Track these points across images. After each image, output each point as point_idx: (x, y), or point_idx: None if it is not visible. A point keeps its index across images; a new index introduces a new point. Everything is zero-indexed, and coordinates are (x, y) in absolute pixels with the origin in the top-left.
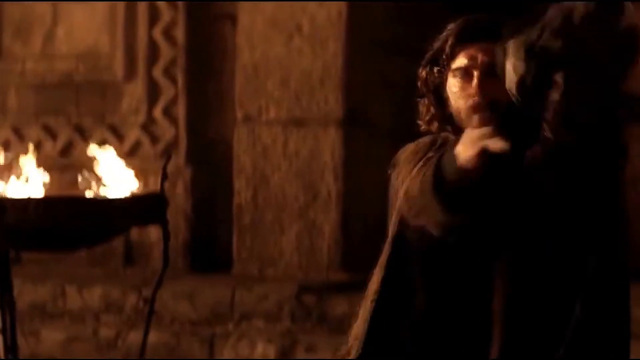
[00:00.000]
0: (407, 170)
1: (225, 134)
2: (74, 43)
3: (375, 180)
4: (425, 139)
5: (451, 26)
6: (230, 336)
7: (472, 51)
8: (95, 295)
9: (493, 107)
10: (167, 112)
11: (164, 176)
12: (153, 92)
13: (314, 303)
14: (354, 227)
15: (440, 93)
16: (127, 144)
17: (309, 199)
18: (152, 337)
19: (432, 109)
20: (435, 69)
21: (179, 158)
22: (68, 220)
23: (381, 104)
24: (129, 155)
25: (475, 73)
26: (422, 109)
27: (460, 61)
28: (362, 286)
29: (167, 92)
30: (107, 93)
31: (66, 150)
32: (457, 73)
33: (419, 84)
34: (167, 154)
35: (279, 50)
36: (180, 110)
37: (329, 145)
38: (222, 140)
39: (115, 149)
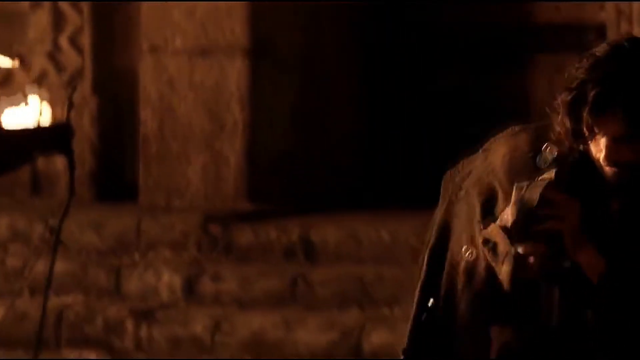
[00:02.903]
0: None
1: (132, 64)
2: None
3: (282, 112)
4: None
5: (592, 73)
6: (136, 266)
7: (606, 127)
8: (1, 225)
9: (621, 166)
10: (73, 42)
11: (70, 106)
12: (59, 21)
13: (219, 233)
14: (260, 158)
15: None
16: (33, 73)
17: (215, 129)
18: (59, 266)
19: (566, 123)
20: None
21: (85, 88)
22: None
23: (290, 35)
24: (35, 84)
25: (604, 141)
26: (554, 121)
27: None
28: (267, 216)
29: (73, 21)
30: (14, 22)
31: None
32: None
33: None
34: (72, 83)
35: None
36: (86, 40)
37: (235, 75)
38: (128, 70)
39: (22, 78)
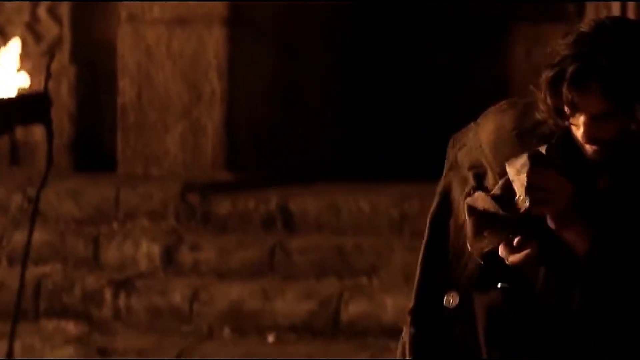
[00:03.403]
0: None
1: (110, 33)
2: None
3: (261, 81)
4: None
5: (571, 47)
6: (114, 235)
7: (585, 103)
8: None
9: (600, 144)
10: (51, 11)
11: (48, 75)
12: None
13: (198, 202)
14: (238, 128)
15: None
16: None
17: (193, 98)
18: (37, 236)
19: (547, 100)
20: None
21: (64, 57)
22: None
23: (268, 4)
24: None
25: (582, 119)
26: (538, 99)
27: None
28: (246, 186)
29: None
30: None
31: None
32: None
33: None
34: (50, 53)
35: None
36: (65, 9)
37: (213, 44)
38: (106, 40)
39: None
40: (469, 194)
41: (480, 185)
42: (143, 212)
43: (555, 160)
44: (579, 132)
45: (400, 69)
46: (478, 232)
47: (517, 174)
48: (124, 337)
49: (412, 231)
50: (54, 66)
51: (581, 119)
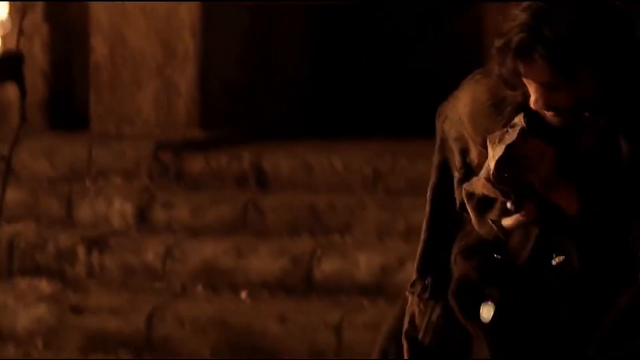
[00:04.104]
0: (480, 135)
1: None
2: None
3: (234, 40)
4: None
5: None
6: (88, 193)
7: (531, 72)
8: None
9: (556, 111)
10: None
11: (20, 33)
12: None
13: (171, 160)
14: (211, 86)
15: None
16: None
17: (167, 57)
18: (10, 194)
19: (495, 69)
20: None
21: (36, 15)
22: None
23: None
24: None
25: (533, 87)
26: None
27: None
28: (219, 144)
29: None
30: None
31: None
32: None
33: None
34: (22, 10)
35: None
36: None
37: (186, 2)
38: None
39: None
40: (461, 180)
41: (464, 161)
42: (116, 171)
43: (534, 127)
44: (533, 100)
45: (373, 25)
46: (481, 216)
47: (495, 147)
48: (97, 295)
49: (385, 189)
50: (27, 24)
51: (533, 88)
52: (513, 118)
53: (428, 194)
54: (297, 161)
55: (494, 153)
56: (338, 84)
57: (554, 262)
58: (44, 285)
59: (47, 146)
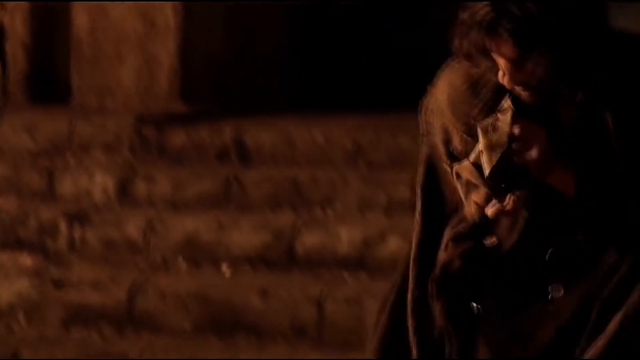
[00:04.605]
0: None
1: None
2: None
3: (216, 13)
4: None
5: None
6: (69, 168)
7: (498, 48)
8: None
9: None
10: None
11: (1, 7)
12: None
13: (153, 134)
14: (193, 60)
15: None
16: None
17: (148, 30)
18: None
19: (456, 44)
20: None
21: None
22: None
23: None
24: None
25: (501, 64)
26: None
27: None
28: (200, 118)
29: None
30: None
31: None
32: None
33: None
34: None
35: None
36: None
37: None
38: None
39: None
40: (450, 166)
41: (449, 151)
42: (98, 145)
43: (521, 109)
44: (501, 76)
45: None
46: (466, 197)
47: (486, 132)
48: (79, 269)
49: (367, 162)
50: None
51: (501, 64)
52: (490, 99)
53: (417, 190)
54: (278, 135)
55: (486, 142)
56: (321, 58)
57: (547, 257)
58: (26, 259)
59: (28, 120)
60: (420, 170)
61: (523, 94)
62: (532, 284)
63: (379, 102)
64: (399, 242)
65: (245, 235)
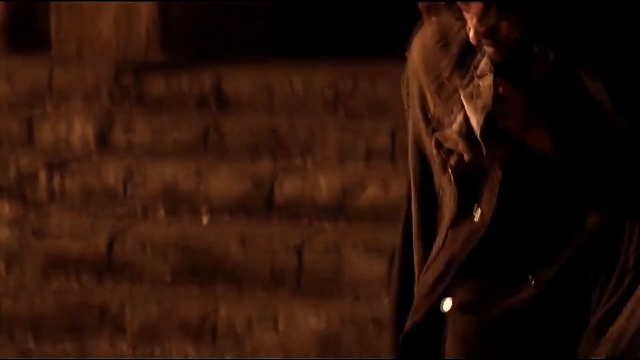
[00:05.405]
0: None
1: None
2: None
3: None
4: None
5: None
6: (48, 117)
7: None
8: None
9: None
10: None
11: None
12: None
13: (132, 83)
14: (172, 7)
15: None
16: None
17: None
18: None
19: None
20: None
21: None
22: None
23: None
24: None
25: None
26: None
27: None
28: (180, 67)
29: None
30: None
31: None
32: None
33: None
34: None
35: None
36: None
37: None
38: None
39: None
40: (429, 135)
41: (427, 116)
42: (77, 93)
43: (503, 69)
44: (470, 34)
45: None
46: (444, 166)
47: (470, 99)
48: (59, 218)
49: (346, 111)
50: None
51: (470, 20)
52: (458, 54)
53: (409, 165)
54: (257, 83)
55: (472, 108)
56: (300, 4)
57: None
58: (6, 209)
59: (7, 69)
60: (410, 147)
61: (490, 50)
62: (514, 269)
63: (359, 48)
64: (378, 191)
65: (225, 184)
